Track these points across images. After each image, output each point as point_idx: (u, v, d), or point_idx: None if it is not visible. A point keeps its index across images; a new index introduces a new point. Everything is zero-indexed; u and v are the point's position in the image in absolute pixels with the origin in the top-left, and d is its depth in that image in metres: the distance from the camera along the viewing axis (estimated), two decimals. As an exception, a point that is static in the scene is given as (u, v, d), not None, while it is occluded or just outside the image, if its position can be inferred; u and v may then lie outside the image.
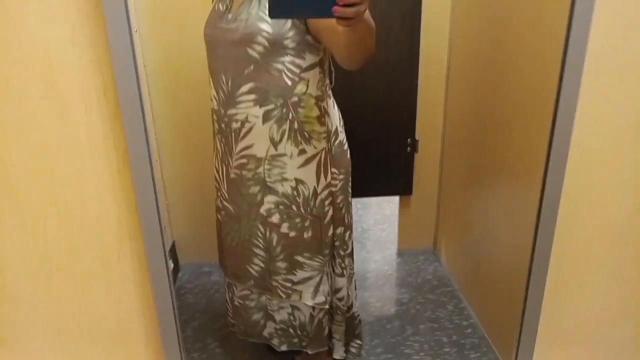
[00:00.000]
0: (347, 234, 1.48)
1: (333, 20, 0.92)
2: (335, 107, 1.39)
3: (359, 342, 1.65)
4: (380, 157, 2.19)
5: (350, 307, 1.58)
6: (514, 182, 1.58)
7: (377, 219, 2.81)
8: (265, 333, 1.55)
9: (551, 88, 0.95)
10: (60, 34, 0.55)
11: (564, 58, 0.86)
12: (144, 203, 0.59)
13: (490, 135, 1.75)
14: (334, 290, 1.50)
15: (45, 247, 0.64)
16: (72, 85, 0.57)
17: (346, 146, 1.42)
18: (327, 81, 1.34)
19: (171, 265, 1.71)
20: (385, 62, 2.05)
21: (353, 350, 1.64)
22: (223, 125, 1.33)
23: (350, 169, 1.44)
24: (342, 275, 1.48)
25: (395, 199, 2.39)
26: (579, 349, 1.08)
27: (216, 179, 1.47)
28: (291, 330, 1.53)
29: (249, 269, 1.45)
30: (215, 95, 1.32)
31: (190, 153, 2.13)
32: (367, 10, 0.92)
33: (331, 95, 1.37)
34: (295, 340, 1.54)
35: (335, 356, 1.58)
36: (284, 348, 1.55)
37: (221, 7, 1.28)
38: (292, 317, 1.51)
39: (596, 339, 1.04)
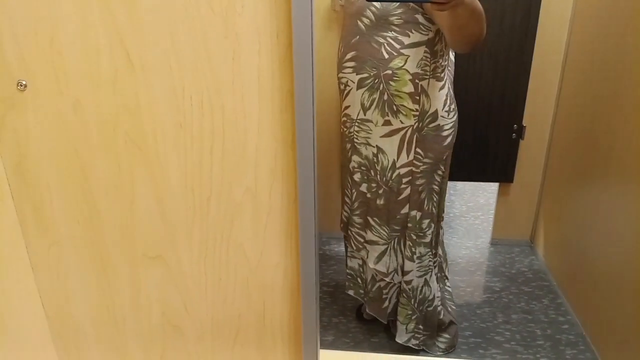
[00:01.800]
0: (426, 221, 1.46)
1: None
2: (445, 89, 1.35)
3: (447, 336, 1.65)
4: (484, 141, 2.14)
5: (429, 300, 1.57)
6: (625, 179, 1.48)
7: (470, 207, 2.75)
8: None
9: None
10: None
11: None
12: (303, 140, 0.64)
13: (606, 130, 1.64)
14: (403, 272, 1.52)
15: (207, 175, 0.71)
16: (250, 26, 0.63)
17: (447, 133, 1.38)
18: (440, 62, 1.32)
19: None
20: (498, 44, 1.98)
21: (440, 345, 1.64)
22: (339, 85, 1.46)
23: (443, 157, 1.41)
24: (411, 259, 1.49)
25: (491, 187, 2.33)
26: None
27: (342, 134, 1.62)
28: (359, 280, 1.64)
29: (343, 211, 1.62)
30: (337, 60, 1.45)
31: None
32: None
33: (444, 77, 1.35)
34: (361, 290, 1.65)
35: (397, 340, 1.60)
36: (350, 292, 1.68)
37: None
38: (360, 269, 1.62)
39: None
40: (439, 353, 1.64)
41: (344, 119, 1.45)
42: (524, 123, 2.10)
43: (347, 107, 1.41)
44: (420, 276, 1.52)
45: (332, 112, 2.14)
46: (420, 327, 1.59)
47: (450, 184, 2.89)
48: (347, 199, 1.56)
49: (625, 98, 1.53)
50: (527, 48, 1.98)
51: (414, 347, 1.61)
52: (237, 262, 0.76)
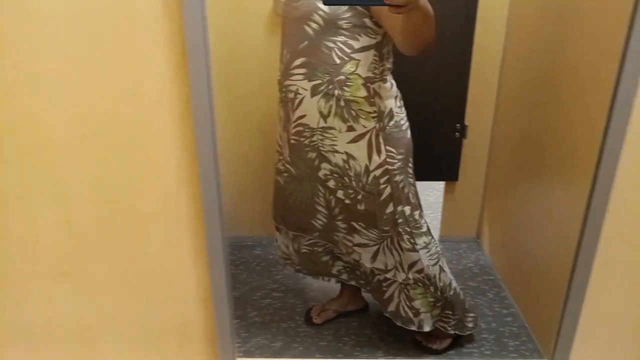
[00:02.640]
0: (416, 213, 1.48)
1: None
2: (394, 88, 1.41)
3: (472, 314, 1.65)
4: (429, 141, 2.17)
5: (448, 285, 1.57)
6: (563, 176, 1.53)
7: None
8: (334, 271, 1.66)
9: (607, 87, 0.91)
10: None
11: (623, 58, 0.83)
12: (203, 147, 0.63)
13: (543, 128, 1.70)
14: (409, 265, 1.51)
15: (112, 189, 0.69)
16: (145, 35, 0.61)
17: (405, 127, 1.45)
18: (386, 64, 1.37)
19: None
20: (438, 46, 2.01)
21: (469, 324, 1.64)
22: (283, 95, 1.43)
23: (411, 150, 1.47)
24: (413, 250, 1.48)
25: (440, 186, 2.37)
26: (620, 342, 1.04)
27: (278, 144, 1.55)
28: (357, 272, 1.63)
29: (314, 222, 1.55)
30: (279, 67, 1.42)
31: (243, 129, 2.19)
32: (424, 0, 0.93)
33: (389, 78, 1.40)
34: (362, 281, 1.64)
35: (425, 329, 1.58)
36: (352, 283, 1.66)
37: None
38: (357, 264, 1.60)
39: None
40: (467, 332, 1.64)
41: (299, 128, 1.41)
42: (467, 122, 2.15)
43: (301, 117, 1.38)
44: (435, 264, 1.53)
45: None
46: (449, 312, 1.59)
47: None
48: (320, 208, 1.50)
49: (558, 98, 1.58)
50: (466, 49, 2.03)
51: (443, 330, 1.60)
52: (152, 274, 0.74)
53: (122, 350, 0.80)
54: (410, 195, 1.47)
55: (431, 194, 2.90)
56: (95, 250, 0.72)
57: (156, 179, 0.67)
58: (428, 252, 1.50)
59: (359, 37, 1.28)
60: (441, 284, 1.54)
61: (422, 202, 1.58)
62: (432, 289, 1.54)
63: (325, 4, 0.81)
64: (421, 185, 2.94)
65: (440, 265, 1.55)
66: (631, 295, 0.99)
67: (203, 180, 0.61)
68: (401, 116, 1.43)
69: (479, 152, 2.22)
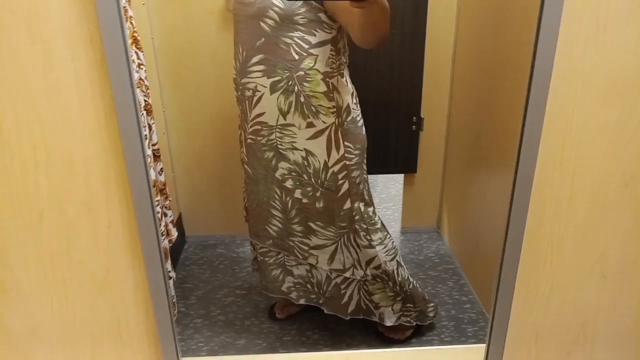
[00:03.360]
0: (370, 209, 1.50)
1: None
2: (349, 83, 1.42)
3: (431, 304, 1.68)
4: (386, 134, 2.20)
5: (407, 280, 1.60)
6: (507, 162, 1.58)
7: (382, 198, 2.83)
8: (284, 288, 1.63)
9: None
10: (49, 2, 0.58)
11: (537, 35, 0.87)
12: (130, 146, 0.62)
13: (490, 116, 1.75)
14: (367, 262, 1.52)
15: (34, 192, 0.67)
16: (58, 32, 0.60)
17: (361, 122, 1.45)
18: (342, 59, 1.37)
19: (175, 233, 1.76)
20: (392, 40, 2.04)
21: (430, 313, 1.67)
22: (239, 93, 1.41)
23: (366, 145, 1.48)
24: (370, 247, 1.50)
25: (401, 178, 2.41)
26: (553, 310, 1.10)
27: (240, 142, 1.55)
28: (309, 286, 1.61)
29: (268, 229, 1.53)
30: (234, 65, 1.41)
31: (198, 126, 2.16)
32: None
33: (345, 73, 1.40)
34: (313, 296, 1.63)
35: (386, 323, 1.60)
36: (302, 302, 1.64)
37: None
38: (309, 274, 1.59)
39: (569, 300, 1.08)
40: (429, 321, 1.69)
41: (257, 127, 1.39)
42: (422, 115, 2.19)
43: (260, 115, 1.37)
44: (392, 259, 1.55)
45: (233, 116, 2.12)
46: (410, 305, 1.61)
47: (364, 177, 2.97)
48: (275, 212, 1.50)
49: (503, 89, 1.63)
50: (419, 43, 2.06)
51: (406, 324, 1.63)
52: (82, 280, 0.73)
53: (57, 357, 0.78)
54: (365, 191, 1.49)
55: (393, 186, 2.94)
56: (21, 257, 0.70)
57: (83, 180, 0.66)
58: (384, 247, 1.53)
59: (315, 32, 1.28)
60: (399, 279, 1.57)
61: (384, 195, 1.61)
62: (390, 284, 1.56)
63: None
64: (382, 178, 3.00)
65: (397, 260, 1.57)
66: (562, 265, 1.04)
67: (133, 181, 0.61)
68: (357, 112, 1.45)
69: (436, 144, 2.27)
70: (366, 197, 1.49)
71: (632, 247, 1.03)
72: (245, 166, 1.51)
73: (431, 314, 1.68)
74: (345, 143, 1.41)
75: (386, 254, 1.53)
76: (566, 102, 0.90)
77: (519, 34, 1.50)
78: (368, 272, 1.53)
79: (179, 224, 2.28)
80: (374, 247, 1.50)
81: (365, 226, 1.48)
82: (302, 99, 1.33)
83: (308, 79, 1.31)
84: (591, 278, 1.05)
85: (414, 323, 1.65)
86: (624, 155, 0.94)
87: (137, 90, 1.42)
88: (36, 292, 0.73)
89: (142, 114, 1.45)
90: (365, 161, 1.49)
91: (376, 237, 1.51)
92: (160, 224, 1.55)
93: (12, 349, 0.78)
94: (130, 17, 1.48)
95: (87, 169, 0.66)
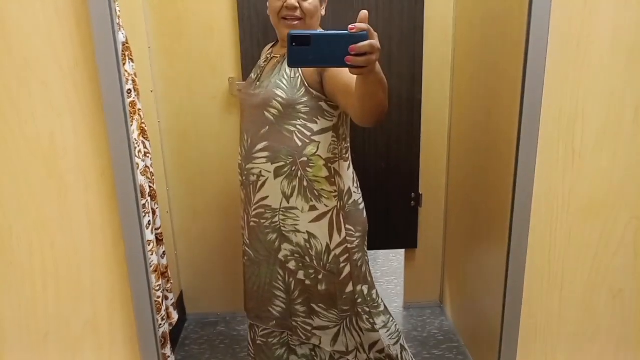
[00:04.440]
0: (373, 292, 1.50)
1: (347, 82, 1.00)
2: (351, 168, 1.47)
3: None
4: (386, 211, 2.23)
5: None
6: (504, 236, 1.60)
7: (385, 271, 2.82)
8: None
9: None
10: (63, 122, 0.63)
11: (516, 157, 0.94)
12: (136, 276, 0.65)
13: (485, 191, 1.79)
14: (370, 345, 1.51)
15: (42, 313, 0.70)
16: (72, 166, 0.65)
17: (362, 206, 1.49)
18: (344, 144, 1.43)
19: (176, 317, 1.75)
20: (388, 119, 2.12)
21: None
22: (244, 178, 1.46)
23: (367, 228, 1.50)
24: (373, 330, 1.49)
25: (403, 252, 2.41)
26: None
27: (242, 226, 1.57)
28: None
29: (271, 310, 1.53)
30: (240, 151, 1.47)
31: (201, 206, 2.21)
32: (379, 66, 0.99)
33: (348, 157, 1.46)
34: None
35: None
36: None
37: (253, 76, 1.47)
38: (313, 353, 1.57)
39: None
40: None
41: (260, 210, 1.43)
42: (421, 191, 2.23)
43: (264, 198, 1.41)
44: (395, 343, 1.53)
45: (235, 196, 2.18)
46: None
47: (365, 249, 2.97)
48: (278, 292, 1.50)
49: (496, 165, 1.68)
50: (415, 122, 2.14)
51: None
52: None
53: None
54: (367, 273, 1.50)
55: (395, 259, 2.94)
56: None
57: (89, 302, 0.68)
58: (388, 331, 1.52)
59: (317, 120, 1.35)
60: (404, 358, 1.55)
61: (386, 268, 1.61)
62: None
63: (289, 65, 0.86)
64: (383, 252, 3.00)
65: (401, 344, 1.56)
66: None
67: (137, 304, 0.63)
68: (358, 195, 1.49)
69: (434, 219, 2.29)
70: (368, 279, 1.50)
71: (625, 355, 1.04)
72: (247, 249, 1.53)
73: None
74: (347, 226, 1.44)
75: (389, 337, 1.52)
76: (549, 223, 0.95)
77: (509, 110, 1.57)
78: (372, 356, 1.52)
79: (180, 301, 2.27)
80: (377, 331, 1.49)
81: (368, 309, 1.48)
82: (305, 184, 1.38)
83: (311, 164, 1.37)
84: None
85: None
86: (608, 269, 0.97)
87: (143, 178, 1.47)
88: None
89: (147, 200, 1.49)
90: (366, 244, 1.51)
91: (379, 320, 1.50)
92: (161, 308, 1.56)
93: None
94: (139, 109, 1.56)
95: (94, 291, 0.68)
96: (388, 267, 2.87)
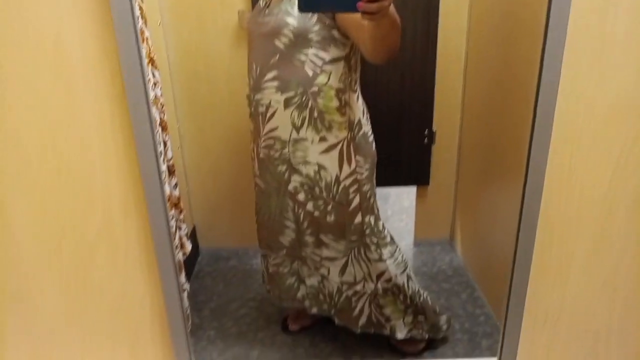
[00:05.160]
0: (380, 223, 1.52)
1: (359, 17, 0.97)
2: (360, 99, 1.45)
3: (443, 317, 1.68)
4: (398, 147, 2.21)
5: (418, 292, 1.60)
6: (519, 173, 1.58)
7: (395, 210, 2.81)
8: (299, 295, 1.65)
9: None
10: (69, 22, 0.60)
11: (543, 47, 0.89)
12: (148, 175, 0.64)
13: (501, 128, 1.75)
14: (378, 275, 1.53)
15: (55, 217, 0.69)
16: (80, 70, 0.63)
17: (371, 138, 1.48)
18: (354, 75, 1.40)
19: (189, 246, 1.78)
20: (403, 54, 2.06)
21: (444, 326, 1.67)
22: (253, 109, 1.44)
23: (375, 160, 1.50)
24: (380, 260, 1.51)
25: (414, 190, 2.40)
26: (563, 330, 1.10)
27: (252, 157, 1.56)
28: (321, 296, 1.61)
29: (281, 239, 1.55)
30: (248, 82, 1.43)
31: (212, 141, 2.20)
32: (392, 7, 0.95)
33: (357, 88, 1.43)
34: (325, 306, 1.63)
35: (397, 336, 1.61)
36: (314, 311, 1.64)
37: (262, 4, 1.41)
38: (321, 285, 1.59)
39: (579, 320, 1.07)
40: (442, 335, 1.68)
41: (270, 142, 1.42)
42: (434, 128, 2.20)
43: (273, 130, 1.40)
44: (402, 272, 1.55)
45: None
46: (421, 318, 1.61)
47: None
48: (288, 223, 1.51)
49: (514, 100, 1.64)
50: (430, 57, 2.08)
51: (418, 337, 1.63)
52: (101, 303, 0.74)
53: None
54: (375, 205, 1.50)
55: (406, 198, 2.93)
56: (40, 285, 0.71)
57: (101, 207, 0.68)
58: (395, 261, 1.53)
59: (329, 49, 1.31)
60: (410, 292, 1.57)
61: (397, 207, 1.62)
62: (401, 297, 1.56)
63: (300, 11, 0.82)
64: (394, 191, 3.00)
65: (407, 274, 1.57)
66: (572, 280, 1.04)
67: (150, 206, 0.63)
68: (368, 127, 1.47)
69: (448, 156, 2.27)
70: (376, 211, 1.50)
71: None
72: (257, 180, 1.53)
73: (444, 327, 1.67)
74: (357, 157, 1.42)
75: (397, 267, 1.54)
76: (572, 127, 0.91)
77: (528, 48, 1.51)
78: (379, 285, 1.54)
79: (192, 236, 2.30)
80: (385, 261, 1.51)
81: (376, 240, 1.49)
82: (315, 114, 1.35)
83: (321, 94, 1.34)
84: (603, 294, 1.05)
85: (426, 336, 1.64)
86: (631, 176, 0.94)
87: (153, 108, 1.45)
88: (56, 317, 0.73)
89: (158, 130, 1.48)
90: (374, 176, 1.50)
91: (386, 250, 1.51)
92: (175, 238, 1.58)
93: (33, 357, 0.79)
94: (147, 38, 1.52)
95: (106, 196, 0.68)
96: (399, 206, 2.86)
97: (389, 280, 1.53)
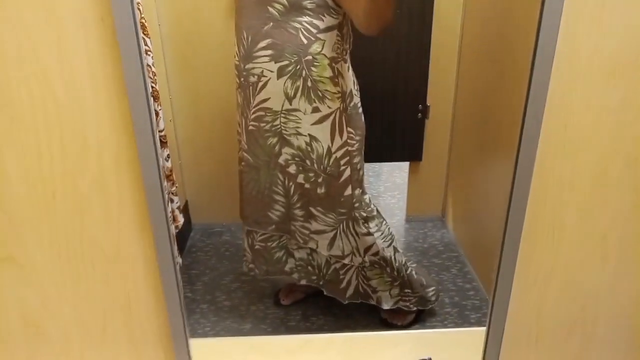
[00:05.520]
0: (366, 196, 1.52)
1: None
2: (351, 70, 1.43)
3: (432, 288, 1.69)
4: (391, 122, 2.20)
5: (404, 265, 1.61)
6: (512, 149, 1.59)
7: (388, 186, 2.83)
8: (287, 268, 1.65)
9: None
10: None
11: (540, 16, 0.88)
12: (141, 127, 0.63)
13: (495, 104, 1.75)
14: (365, 249, 1.54)
15: (48, 170, 0.69)
16: (71, 12, 0.61)
17: (361, 110, 1.47)
18: (346, 45, 1.39)
19: (182, 219, 1.78)
20: (398, 28, 2.04)
21: (432, 297, 1.69)
22: (242, 79, 1.41)
23: (364, 133, 1.49)
24: (368, 234, 1.52)
25: (406, 167, 2.41)
26: (554, 292, 1.12)
27: (238, 131, 1.55)
28: (310, 268, 1.62)
29: (270, 214, 1.54)
30: (237, 51, 1.40)
31: (204, 114, 2.17)
32: None
33: (348, 59, 1.41)
34: (314, 277, 1.64)
35: (384, 306, 1.63)
36: (303, 282, 1.66)
37: None
38: (310, 257, 1.60)
39: (569, 281, 1.09)
40: (430, 306, 1.70)
41: (260, 113, 1.39)
42: (428, 103, 2.19)
43: (264, 100, 1.37)
44: (389, 245, 1.56)
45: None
46: (408, 290, 1.63)
47: (368, 165, 2.97)
48: (278, 197, 1.50)
49: (508, 77, 1.63)
50: (425, 31, 2.05)
51: (406, 309, 1.65)
52: (94, 256, 0.75)
53: (72, 338, 0.80)
54: (363, 178, 1.51)
55: (398, 175, 2.95)
56: (35, 235, 0.72)
57: (95, 159, 0.67)
58: (382, 234, 1.55)
59: (323, 18, 1.29)
60: (397, 264, 1.59)
61: (389, 183, 1.63)
62: (388, 269, 1.58)
63: None
64: (387, 167, 3.01)
65: (394, 246, 1.59)
66: (563, 246, 1.06)
67: (143, 161, 0.62)
68: (358, 99, 1.46)
69: (441, 132, 2.26)
70: (364, 184, 1.52)
71: (634, 229, 1.04)
72: (245, 154, 1.51)
73: (432, 298, 1.69)
74: (348, 129, 1.42)
75: (383, 240, 1.55)
76: (569, 84, 0.91)
77: (524, 19, 1.50)
78: (366, 258, 1.55)
79: (185, 211, 2.30)
80: (372, 235, 1.52)
81: (364, 214, 1.50)
82: (309, 84, 1.34)
83: (316, 63, 1.32)
84: (592, 260, 1.07)
85: (414, 308, 1.67)
86: (626, 137, 0.95)
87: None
88: (50, 269, 0.75)
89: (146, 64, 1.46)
90: (364, 148, 1.51)
91: (373, 224, 1.53)
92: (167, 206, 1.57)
93: (27, 323, 0.80)
94: (138, 3, 1.48)
95: (99, 147, 0.67)
96: (391, 182, 2.88)
97: (376, 253, 1.54)
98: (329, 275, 1.61)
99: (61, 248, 0.73)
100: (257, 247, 1.65)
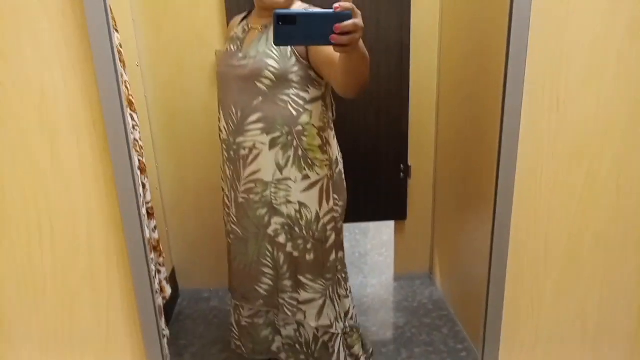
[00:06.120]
0: (344, 257, 1.57)
1: (330, 54, 1.01)
2: (335, 138, 1.50)
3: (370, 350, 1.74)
4: (375, 182, 2.24)
5: (361, 333, 1.66)
6: (491, 206, 1.63)
7: (375, 244, 2.85)
8: (274, 348, 1.63)
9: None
10: (53, 74, 0.62)
11: (502, 109, 0.95)
12: (130, 226, 0.65)
13: (473, 161, 1.81)
14: (345, 313, 1.55)
15: (39, 266, 0.70)
16: (64, 118, 0.64)
17: (343, 175, 1.53)
18: (329, 114, 1.46)
19: (169, 291, 1.76)
20: (377, 91, 2.12)
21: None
22: (232, 153, 1.43)
23: (346, 199, 1.55)
24: (346, 296, 1.55)
25: (392, 224, 2.43)
26: (540, 355, 1.13)
27: (226, 204, 1.56)
28: (297, 346, 1.59)
29: (258, 288, 1.52)
30: (225, 126, 1.43)
31: (191, 181, 2.20)
32: (362, 42, 1.01)
33: (332, 127, 1.48)
34: (302, 356, 1.60)
35: None
36: None
37: (232, 48, 1.42)
38: (298, 334, 1.58)
39: (553, 352, 1.11)
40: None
41: (250, 185, 1.41)
42: (410, 162, 2.25)
43: (255, 172, 1.40)
44: (354, 307, 1.63)
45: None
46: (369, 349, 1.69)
47: (355, 224, 3.00)
48: (266, 270, 1.50)
49: (484, 136, 1.69)
50: (403, 92, 2.13)
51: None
52: (83, 351, 0.74)
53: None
54: (343, 241, 1.55)
55: (385, 232, 2.97)
56: (23, 332, 0.71)
57: (86, 254, 0.68)
58: (352, 295, 1.59)
59: (308, 89, 1.35)
60: (361, 328, 1.64)
61: (376, 241, 1.67)
62: (359, 331, 1.61)
63: (275, 44, 0.87)
64: (373, 225, 3.03)
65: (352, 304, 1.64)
66: (545, 310, 1.08)
67: (132, 254, 0.63)
68: (342, 165, 1.52)
69: (423, 190, 2.31)
70: (343, 246, 1.56)
71: (611, 301, 1.06)
72: (234, 226, 1.51)
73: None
74: (334, 195, 1.46)
75: (352, 300, 1.60)
76: (535, 163, 0.96)
77: (495, 82, 1.58)
78: (347, 323, 1.57)
79: (172, 277, 2.27)
80: (349, 296, 1.56)
81: (345, 275, 1.53)
82: (300, 153, 1.38)
83: (306, 133, 1.37)
84: (574, 323, 1.08)
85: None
86: (593, 214, 1.00)
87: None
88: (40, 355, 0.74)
89: (137, 174, 1.48)
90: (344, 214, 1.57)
91: (348, 285, 1.56)
92: (154, 282, 1.56)
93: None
94: (125, 81, 1.53)
95: (90, 243, 0.69)
96: (378, 239, 2.90)
97: (352, 316, 1.57)
98: (318, 352, 1.57)
99: (49, 345, 0.72)
100: (243, 323, 1.62)
